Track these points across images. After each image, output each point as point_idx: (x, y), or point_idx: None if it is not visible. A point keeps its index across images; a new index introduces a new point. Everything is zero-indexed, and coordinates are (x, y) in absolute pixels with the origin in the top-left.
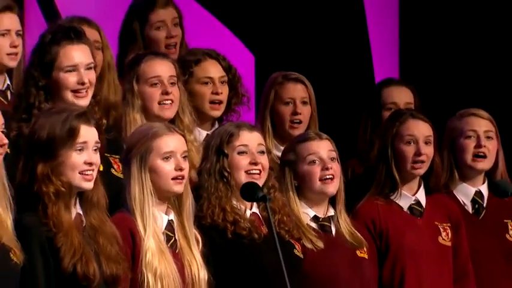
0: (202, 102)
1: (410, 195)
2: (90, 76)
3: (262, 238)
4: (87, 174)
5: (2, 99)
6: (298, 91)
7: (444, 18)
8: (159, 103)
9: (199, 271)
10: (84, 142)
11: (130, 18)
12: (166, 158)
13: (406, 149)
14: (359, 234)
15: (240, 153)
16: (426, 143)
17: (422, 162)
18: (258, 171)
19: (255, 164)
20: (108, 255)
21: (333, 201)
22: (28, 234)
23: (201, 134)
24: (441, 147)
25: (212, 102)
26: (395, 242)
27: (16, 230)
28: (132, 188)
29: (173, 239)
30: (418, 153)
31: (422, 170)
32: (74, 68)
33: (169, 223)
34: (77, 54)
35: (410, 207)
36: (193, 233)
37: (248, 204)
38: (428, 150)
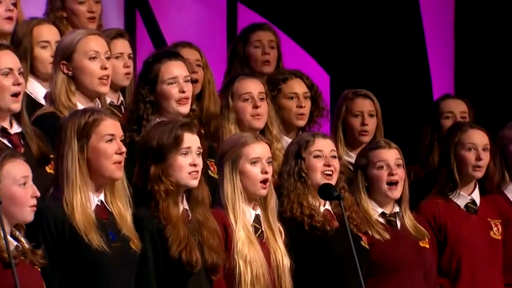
0: (288, 114)
1: (467, 195)
2: (189, 87)
3: (334, 231)
4: (193, 174)
5: (117, 113)
6: (366, 105)
7: (496, 39)
8: (252, 116)
9: (283, 258)
10: (188, 147)
11: (237, 39)
12: (253, 162)
13: (468, 155)
14: (421, 227)
15: (316, 157)
16: (484, 149)
17: (481, 166)
18: (330, 172)
19: (328, 165)
20: (210, 246)
21: (398, 200)
22: (142, 225)
23: (287, 142)
24: (494, 153)
25: (297, 114)
26: (452, 235)
27: (133, 222)
28: (225, 188)
29: (260, 230)
30: (478, 158)
31: (480, 173)
32: (175, 80)
33: (257, 217)
34: (175, 69)
35: (466, 206)
36: (277, 225)
37: (322, 201)
38: (486, 156)
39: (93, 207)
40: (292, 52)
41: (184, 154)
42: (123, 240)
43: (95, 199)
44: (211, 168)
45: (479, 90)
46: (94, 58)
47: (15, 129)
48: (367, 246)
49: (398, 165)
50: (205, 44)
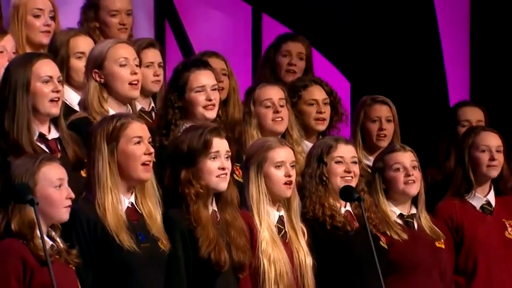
0: (308, 119)
1: (482, 197)
2: (215, 95)
3: (354, 231)
4: (222, 177)
5: (148, 119)
6: (383, 111)
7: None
8: (272, 120)
9: (305, 257)
10: (217, 151)
11: (270, 45)
12: (277, 166)
13: (481, 156)
14: (437, 229)
15: (337, 162)
16: (498, 151)
17: (496, 166)
18: (350, 178)
19: (349, 172)
20: (238, 246)
21: (415, 202)
22: (173, 226)
23: (307, 146)
24: (508, 157)
25: (317, 119)
26: (469, 235)
27: (163, 223)
28: (250, 190)
29: (283, 231)
30: (492, 159)
31: (496, 172)
32: (202, 89)
33: (280, 218)
34: (203, 77)
35: (482, 207)
36: (299, 226)
37: (342, 203)
38: (500, 157)
39: (124, 208)
40: (315, 61)
41: (214, 158)
42: (152, 241)
43: (126, 201)
44: (237, 173)
45: (494, 95)
46: (124, 65)
47: (53, 134)
48: (386, 246)
49: (414, 167)
50: (231, 53)
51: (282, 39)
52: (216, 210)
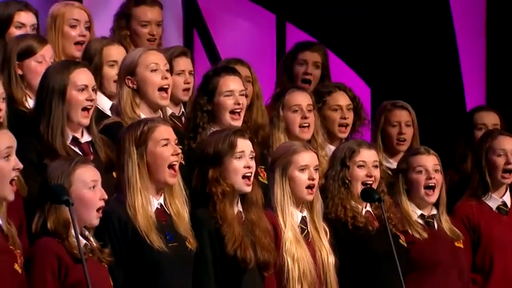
0: (333, 125)
1: (498, 198)
2: (243, 100)
3: (375, 230)
4: (248, 178)
5: (178, 123)
6: (403, 116)
7: None
8: (299, 126)
9: (328, 256)
10: (242, 151)
11: (288, 53)
12: (302, 169)
13: (498, 160)
14: (456, 230)
15: (359, 166)
16: None
17: (511, 171)
18: (371, 182)
19: (370, 176)
20: (263, 245)
21: (436, 203)
22: (200, 225)
23: (331, 150)
24: None
25: (340, 125)
26: (485, 234)
27: (191, 222)
28: (275, 191)
29: (306, 231)
30: (507, 162)
31: (509, 180)
32: (231, 93)
33: (303, 219)
34: (232, 83)
35: (498, 207)
36: (322, 226)
37: (364, 203)
38: None
39: (154, 209)
40: (337, 67)
41: (239, 158)
42: (179, 240)
43: (155, 202)
44: (261, 174)
45: (510, 100)
46: (155, 70)
47: (86, 138)
48: (405, 244)
49: (436, 171)
50: (255, 61)
51: (298, 48)
52: (242, 210)
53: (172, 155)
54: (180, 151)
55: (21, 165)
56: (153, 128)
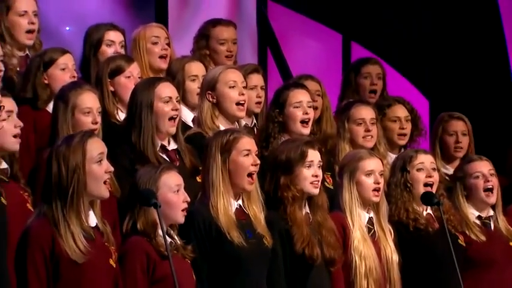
0: (392, 135)
1: None
2: (311, 111)
3: (435, 231)
4: (315, 183)
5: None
6: (459, 126)
7: None
8: (363, 137)
9: (392, 254)
10: (311, 161)
11: (349, 70)
12: (368, 174)
13: None
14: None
15: (418, 169)
16: None
17: None
18: (431, 182)
19: (430, 177)
20: (328, 243)
21: (493, 206)
22: (272, 226)
23: (392, 158)
24: None
25: (399, 135)
26: None
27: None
28: (343, 195)
29: (373, 230)
30: None
31: None
32: (300, 104)
33: (370, 219)
34: (301, 95)
35: None
36: (387, 226)
37: (424, 206)
38: None
39: (233, 209)
40: (397, 81)
41: (308, 167)
42: (258, 237)
43: (235, 203)
44: (328, 181)
45: None
46: (233, 86)
47: (172, 146)
48: (464, 244)
49: (491, 174)
50: (323, 76)
51: (360, 63)
52: (309, 212)
53: (252, 164)
54: (259, 162)
55: (112, 168)
56: (237, 138)
